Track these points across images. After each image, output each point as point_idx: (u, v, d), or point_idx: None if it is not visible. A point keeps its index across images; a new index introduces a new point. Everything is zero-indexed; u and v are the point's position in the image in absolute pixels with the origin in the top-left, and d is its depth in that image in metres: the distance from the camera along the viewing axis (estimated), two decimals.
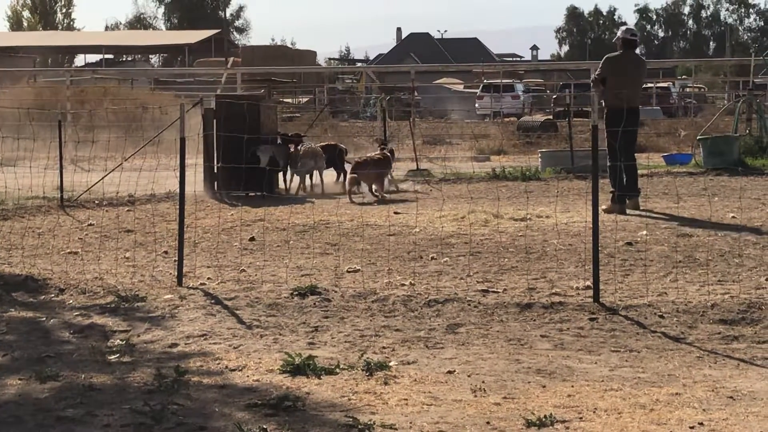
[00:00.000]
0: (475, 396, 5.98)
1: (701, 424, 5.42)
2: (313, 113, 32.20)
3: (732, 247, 10.72)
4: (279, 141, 17.74)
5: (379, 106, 29.53)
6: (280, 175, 17.64)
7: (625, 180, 14.16)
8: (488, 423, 5.49)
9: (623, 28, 15.00)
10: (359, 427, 5.37)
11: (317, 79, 52.80)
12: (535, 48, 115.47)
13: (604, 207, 13.34)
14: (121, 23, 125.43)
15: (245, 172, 14.96)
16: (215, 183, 16.95)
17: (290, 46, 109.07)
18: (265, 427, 5.41)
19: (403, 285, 8.98)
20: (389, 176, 17.92)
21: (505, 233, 11.93)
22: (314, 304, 8.29)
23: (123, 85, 43.44)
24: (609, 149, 13.80)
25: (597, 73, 14.57)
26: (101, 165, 19.82)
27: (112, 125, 25.10)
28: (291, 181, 17.87)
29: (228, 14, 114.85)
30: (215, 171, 16.89)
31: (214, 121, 16.95)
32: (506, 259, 10.32)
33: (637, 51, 15.15)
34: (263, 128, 17.10)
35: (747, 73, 34.40)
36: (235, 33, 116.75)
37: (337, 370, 6.47)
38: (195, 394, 6.04)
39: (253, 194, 16.27)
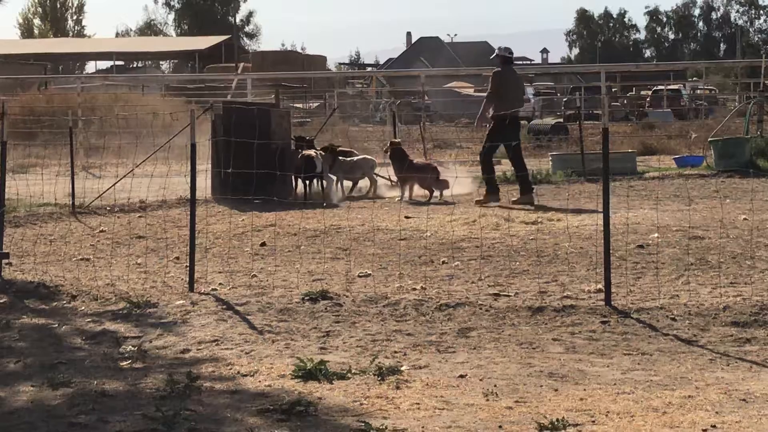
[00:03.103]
0: (487, 400, 5.97)
1: (714, 426, 5.41)
2: (324, 118, 32.21)
3: (744, 249, 10.70)
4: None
5: (390, 111, 29.54)
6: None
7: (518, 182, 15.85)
8: (500, 427, 5.49)
9: (500, 46, 16.55)
10: (371, 431, 5.37)
11: (327, 84, 52.86)
12: (545, 51, 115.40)
13: (478, 199, 15.82)
14: (131, 30, 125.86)
15: (257, 177, 14.94)
16: (221, 188, 16.86)
17: (300, 51, 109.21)
18: None
19: (414, 289, 8.98)
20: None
21: (516, 237, 11.92)
22: (326, 308, 8.29)
23: (134, 91, 43.51)
24: (490, 152, 15.77)
25: (491, 89, 15.90)
26: (112, 171, 19.85)
27: (123, 131, 25.15)
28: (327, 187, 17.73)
29: (238, 20, 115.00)
30: (228, 177, 16.87)
31: (222, 127, 16.92)
32: (517, 263, 10.31)
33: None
34: (274, 135, 17.05)
35: (758, 74, 34.30)
36: (245, 39, 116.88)
37: (349, 374, 6.47)
38: (207, 399, 6.05)
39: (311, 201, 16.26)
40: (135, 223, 14.30)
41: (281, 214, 14.39)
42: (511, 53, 16.36)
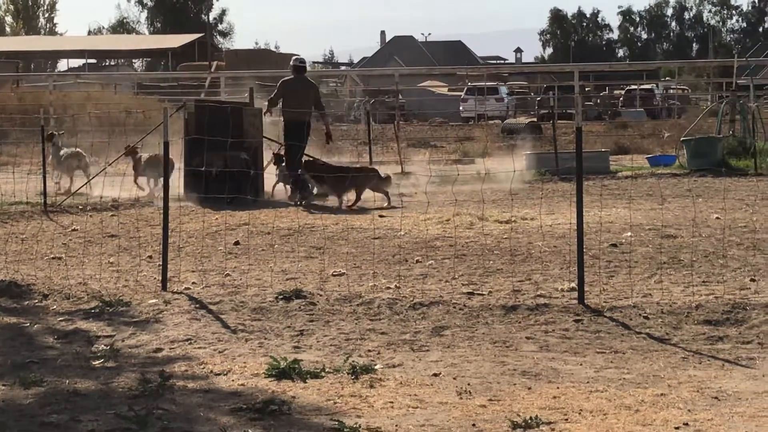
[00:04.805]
0: (461, 398, 5.97)
1: (686, 424, 5.43)
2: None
3: (716, 248, 10.75)
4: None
5: (364, 110, 29.51)
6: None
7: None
8: (474, 425, 5.49)
9: (294, 57, 18.07)
10: (345, 430, 5.36)
11: None
12: (518, 51, 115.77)
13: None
14: (104, 28, 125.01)
15: (231, 176, 14.90)
16: (190, 187, 16.69)
17: (274, 49, 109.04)
18: (250, 431, 5.40)
19: (388, 288, 8.97)
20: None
21: (490, 236, 11.93)
22: (299, 307, 8.28)
23: (106, 89, 43.31)
24: (293, 153, 16.53)
25: (273, 95, 17.29)
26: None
27: (95, 130, 25.03)
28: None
29: (211, 18, 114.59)
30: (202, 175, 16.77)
31: (195, 125, 16.81)
32: (491, 262, 10.32)
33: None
34: (246, 134, 16.98)
35: (730, 74, 34.59)
36: (218, 37, 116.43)
37: (323, 373, 6.46)
38: (180, 398, 6.02)
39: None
40: (107, 221, 14.24)
41: (255, 213, 14.35)
42: (303, 62, 17.85)
